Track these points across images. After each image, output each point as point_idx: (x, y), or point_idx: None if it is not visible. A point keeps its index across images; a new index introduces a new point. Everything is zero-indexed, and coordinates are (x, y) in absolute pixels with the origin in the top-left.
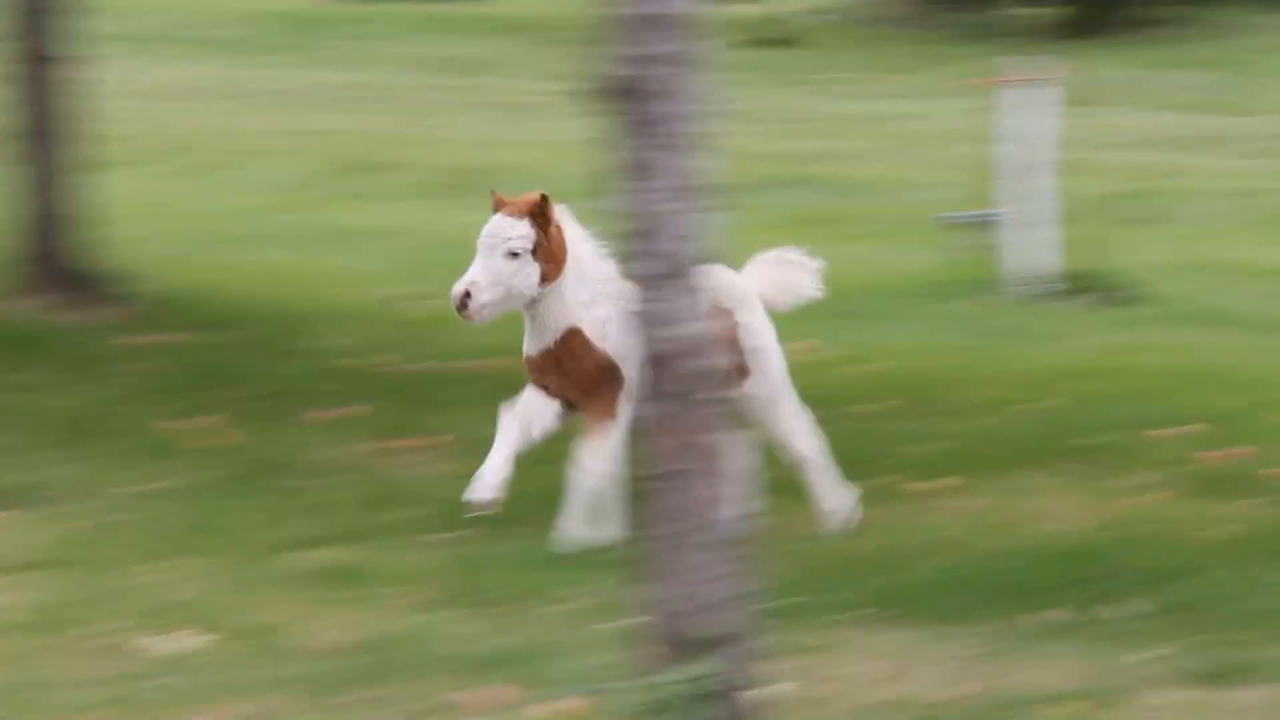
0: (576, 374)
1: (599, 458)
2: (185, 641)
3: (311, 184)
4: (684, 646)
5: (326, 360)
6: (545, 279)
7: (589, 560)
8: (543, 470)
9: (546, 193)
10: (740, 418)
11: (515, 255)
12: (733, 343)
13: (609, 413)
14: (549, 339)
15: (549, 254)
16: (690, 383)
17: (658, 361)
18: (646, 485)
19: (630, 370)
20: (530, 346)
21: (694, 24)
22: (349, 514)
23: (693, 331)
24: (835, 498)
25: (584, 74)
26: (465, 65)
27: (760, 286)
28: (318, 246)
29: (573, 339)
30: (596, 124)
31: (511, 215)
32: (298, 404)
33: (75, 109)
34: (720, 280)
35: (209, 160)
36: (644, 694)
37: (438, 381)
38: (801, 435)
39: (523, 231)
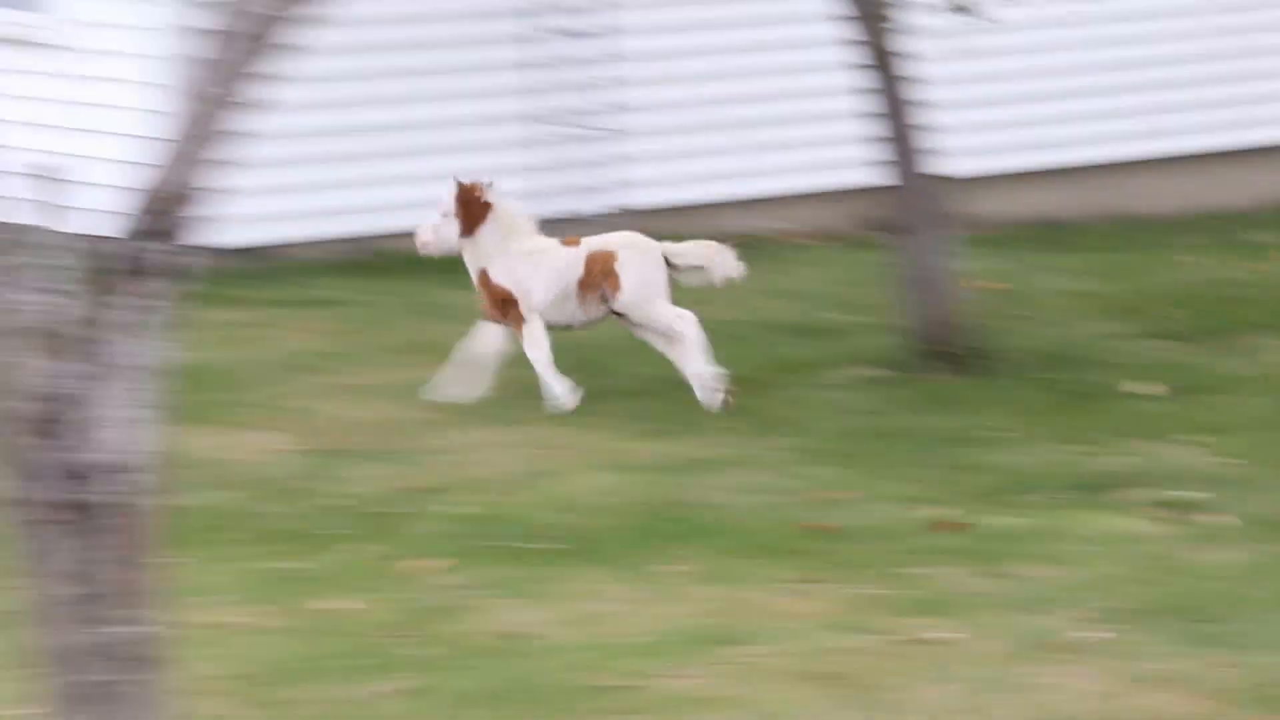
0: (488, 300)
1: (532, 348)
2: None
3: None
4: None
5: None
6: (463, 234)
7: None
8: None
9: (463, 181)
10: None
11: (444, 215)
12: (609, 270)
13: (519, 321)
14: (473, 275)
15: (463, 218)
16: None
17: None
18: None
19: (522, 295)
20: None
21: None
22: None
23: None
24: (704, 371)
25: None
26: None
27: (681, 251)
28: None
29: (482, 276)
30: None
31: (448, 191)
32: None
33: None
34: (619, 235)
35: None
36: None
37: None
38: (679, 321)
39: (446, 200)
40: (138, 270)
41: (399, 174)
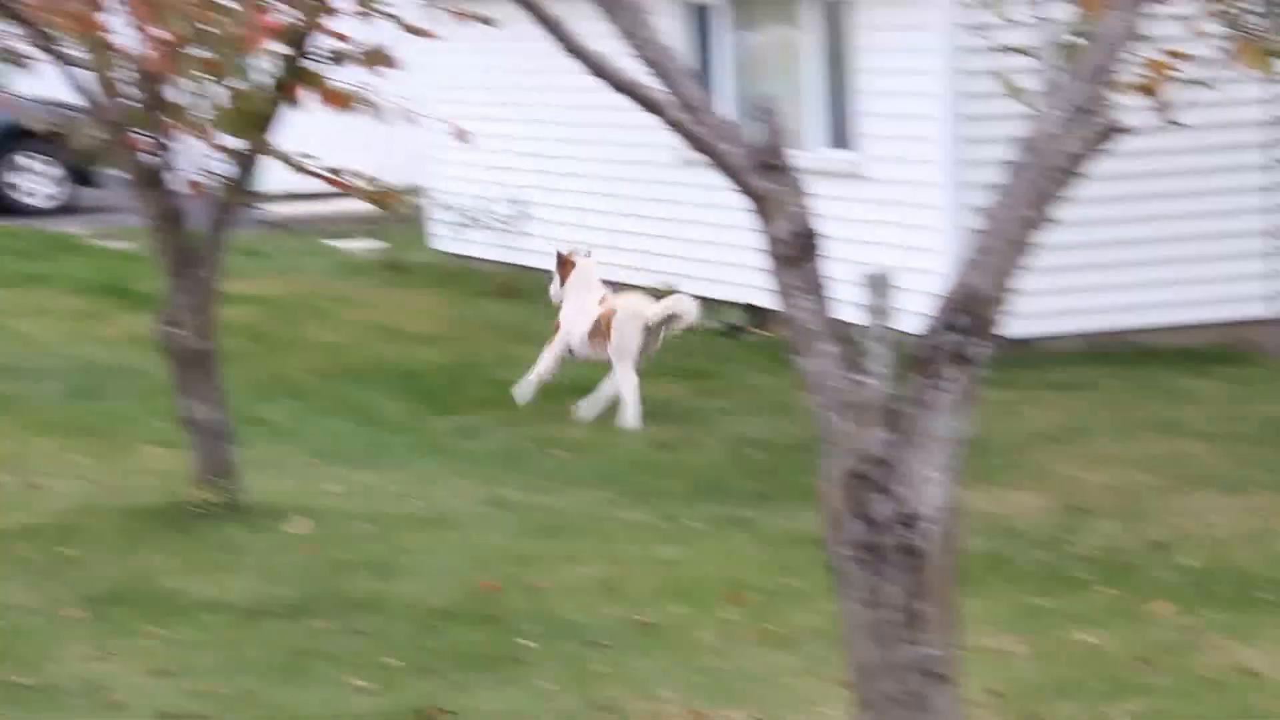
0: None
1: (541, 361)
2: None
3: None
4: None
5: None
6: (560, 286)
7: None
8: None
9: (561, 251)
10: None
11: (551, 276)
12: (609, 323)
13: (549, 344)
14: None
15: (559, 275)
16: None
17: None
18: None
19: (563, 332)
20: None
21: None
22: None
23: None
24: (625, 417)
25: None
26: None
27: (657, 311)
28: None
29: (557, 316)
30: None
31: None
32: None
33: None
34: (621, 297)
35: None
36: None
37: None
38: (621, 384)
39: (552, 265)
40: (951, 359)
41: (1148, 279)
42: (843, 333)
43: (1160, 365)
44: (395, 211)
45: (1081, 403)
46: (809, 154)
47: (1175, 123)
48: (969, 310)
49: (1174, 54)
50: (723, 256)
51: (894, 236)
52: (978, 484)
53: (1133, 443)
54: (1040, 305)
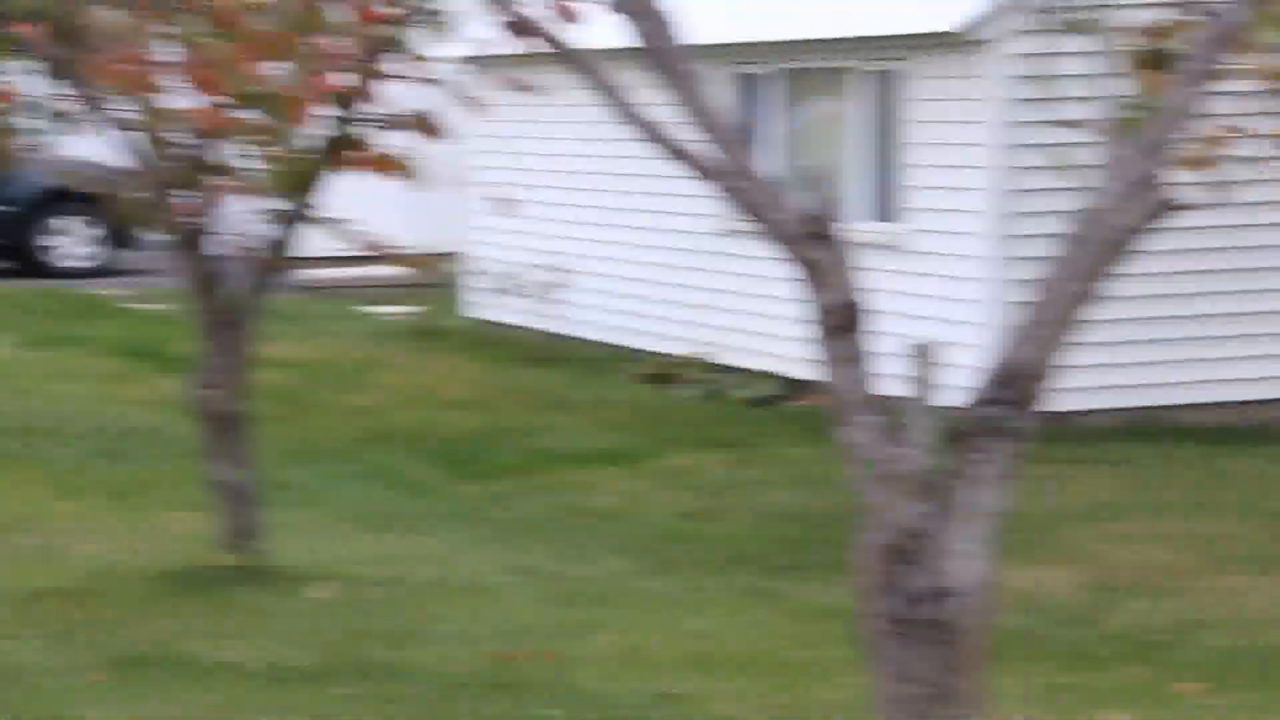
0: None
1: None
2: None
3: None
4: None
5: None
6: None
7: None
8: None
9: None
10: None
11: None
12: None
13: None
14: None
15: None
16: None
17: None
18: None
19: None
20: None
21: None
22: None
23: None
24: None
25: None
26: None
27: None
28: None
29: None
30: None
31: None
32: None
33: None
34: None
35: None
36: None
37: None
38: None
39: None
40: (993, 432)
41: (1188, 356)
42: (884, 404)
43: (1197, 443)
44: (430, 276)
45: (1116, 480)
46: (854, 226)
47: (1228, 198)
48: (1013, 384)
49: (1230, 130)
50: (759, 326)
51: (936, 309)
52: (1010, 559)
53: (1166, 521)
54: (1079, 380)
